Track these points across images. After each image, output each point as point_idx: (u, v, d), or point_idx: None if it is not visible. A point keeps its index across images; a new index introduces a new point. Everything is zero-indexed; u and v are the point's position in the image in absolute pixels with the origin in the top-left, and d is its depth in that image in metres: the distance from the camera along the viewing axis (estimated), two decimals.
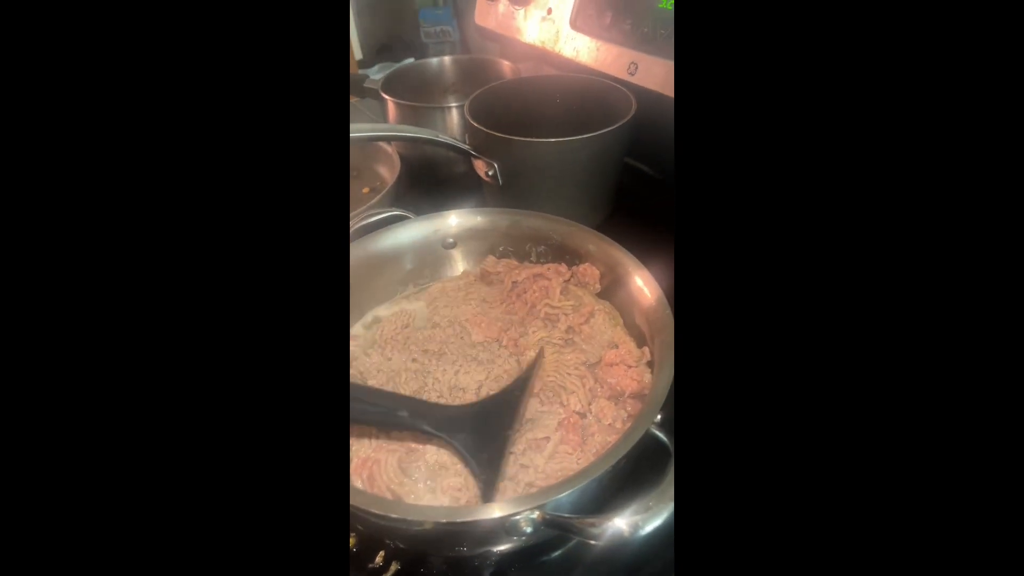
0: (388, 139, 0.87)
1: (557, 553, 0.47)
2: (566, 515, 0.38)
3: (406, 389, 0.52)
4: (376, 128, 0.79)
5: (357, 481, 0.45)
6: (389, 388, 0.53)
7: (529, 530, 0.38)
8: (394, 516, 0.38)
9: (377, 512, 0.38)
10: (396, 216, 0.63)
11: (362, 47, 1.68)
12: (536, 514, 0.37)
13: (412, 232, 0.62)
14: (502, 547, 0.45)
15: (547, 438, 0.48)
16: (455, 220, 0.64)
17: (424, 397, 0.52)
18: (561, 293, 0.59)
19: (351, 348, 0.59)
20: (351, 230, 0.62)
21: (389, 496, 0.44)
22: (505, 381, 0.52)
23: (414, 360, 0.56)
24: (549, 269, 0.61)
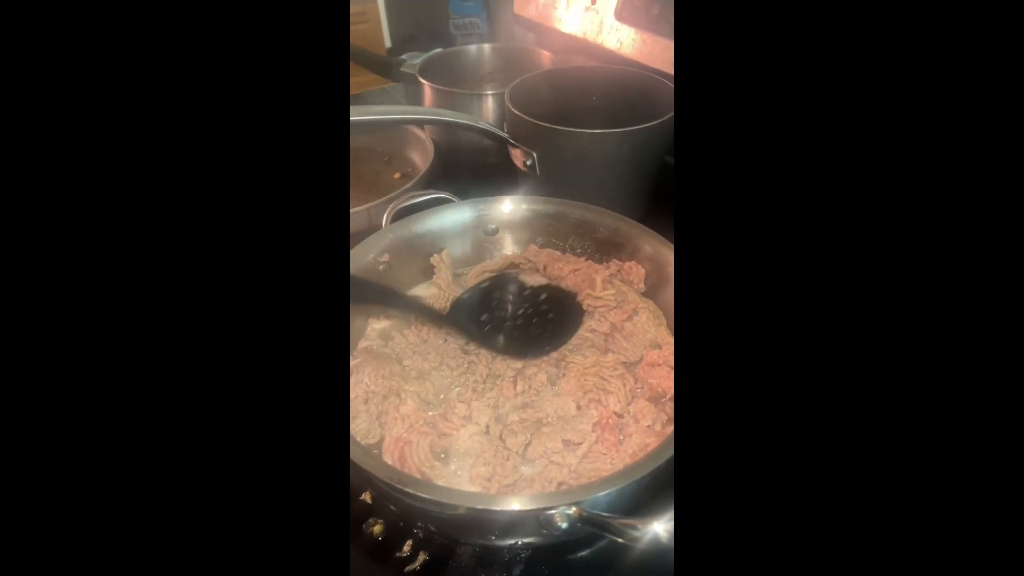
0: (426, 123, 0.85)
1: (586, 552, 0.46)
2: (604, 514, 0.37)
3: (447, 373, 0.52)
4: (414, 111, 0.79)
5: (388, 459, 0.45)
6: (429, 371, 0.52)
7: (564, 526, 0.37)
8: (427, 497, 0.37)
9: (412, 492, 0.37)
10: (439, 199, 0.62)
11: (391, 36, 1.68)
12: (573, 510, 0.36)
13: (456, 216, 0.61)
14: (530, 540, 0.45)
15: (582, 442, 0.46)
16: (500, 207, 0.63)
17: (463, 380, 0.51)
18: (603, 284, 0.57)
19: (386, 326, 0.58)
20: (392, 211, 0.61)
21: (419, 477, 0.43)
22: (542, 369, 0.51)
23: (447, 341, 0.55)
24: (590, 267, 0.59)
